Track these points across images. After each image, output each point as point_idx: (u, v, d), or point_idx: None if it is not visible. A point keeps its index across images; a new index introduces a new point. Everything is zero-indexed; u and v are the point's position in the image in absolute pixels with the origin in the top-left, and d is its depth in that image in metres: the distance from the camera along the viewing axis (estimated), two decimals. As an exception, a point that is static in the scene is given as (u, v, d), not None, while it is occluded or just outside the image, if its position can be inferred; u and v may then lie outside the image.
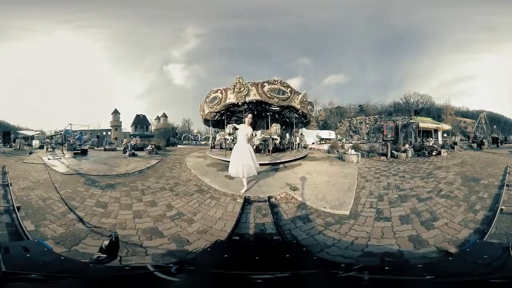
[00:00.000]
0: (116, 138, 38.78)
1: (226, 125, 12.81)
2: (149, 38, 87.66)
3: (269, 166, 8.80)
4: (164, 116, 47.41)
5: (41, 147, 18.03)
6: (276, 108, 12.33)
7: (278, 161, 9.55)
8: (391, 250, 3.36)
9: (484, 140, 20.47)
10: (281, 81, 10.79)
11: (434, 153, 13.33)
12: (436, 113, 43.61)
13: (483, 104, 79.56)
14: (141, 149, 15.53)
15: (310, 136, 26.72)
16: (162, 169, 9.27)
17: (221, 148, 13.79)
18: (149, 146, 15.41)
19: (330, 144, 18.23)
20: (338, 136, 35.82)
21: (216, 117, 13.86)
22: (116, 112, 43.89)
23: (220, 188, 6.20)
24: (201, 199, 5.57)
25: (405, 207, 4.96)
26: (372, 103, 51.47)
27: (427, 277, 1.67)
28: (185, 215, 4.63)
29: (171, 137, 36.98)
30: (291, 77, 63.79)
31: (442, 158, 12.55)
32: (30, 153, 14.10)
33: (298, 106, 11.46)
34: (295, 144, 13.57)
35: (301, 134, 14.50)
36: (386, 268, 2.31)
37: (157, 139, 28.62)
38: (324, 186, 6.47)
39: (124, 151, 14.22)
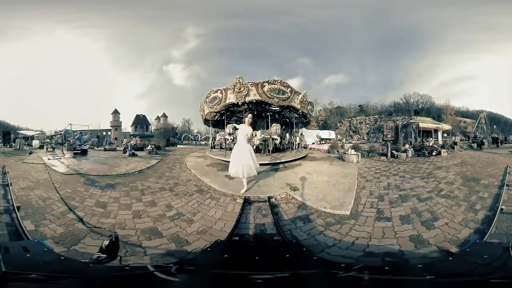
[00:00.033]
0: (116, 138, 38.77)
1: (226, 125, 12.80)
2: (149, 38, 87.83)
3: (269, 166, 8.79)
4: (164, 116, 47.40)
5: (41, 147, 18.04)
6: (276, 108, 12.32)
7: (278, 161, 9.54)
8: (392, 250, 3.36)
9: (484, 140, 20.46)
10: (281, 81, 10.79)
11: (434, 153, 13.33)
12: (436, 113, 43.58)
13: (483, 104, 79.68)
14: (141, 149, 15.52)
15: (310, 136, 26.69)
16: (162, 169, 9.27)
17: (221, 148, 13.79)
18: (149, 146, 15.41)
19: (330, 144, 18.21)
20: (338, 136, 35.79)
21: (216, 117, 13.85)
22: (116, 112, 43.88)
23: (220, 188, 6.19)
24: (200, 199, 5.56)
25: (405, 207, 4.95)
26: (372, 103, 51.56)
27: (427, 277, 1.67)
28: (184, 215, 4.62)
29: (171, 137, 36.96)
30: (291, 77, 64.03)
31: (442, 158, 12.54)
32: (30, 153, 14.10)
33: (298, 106, 11.45)
34: (295, 144, 13.55)
35: (301, 134, 14.48)
36: (386, 268, 2.31)
37: (157, 139, 28.60)
38: (324, 186, 6.46)
39: (124, 151, 14.22)
